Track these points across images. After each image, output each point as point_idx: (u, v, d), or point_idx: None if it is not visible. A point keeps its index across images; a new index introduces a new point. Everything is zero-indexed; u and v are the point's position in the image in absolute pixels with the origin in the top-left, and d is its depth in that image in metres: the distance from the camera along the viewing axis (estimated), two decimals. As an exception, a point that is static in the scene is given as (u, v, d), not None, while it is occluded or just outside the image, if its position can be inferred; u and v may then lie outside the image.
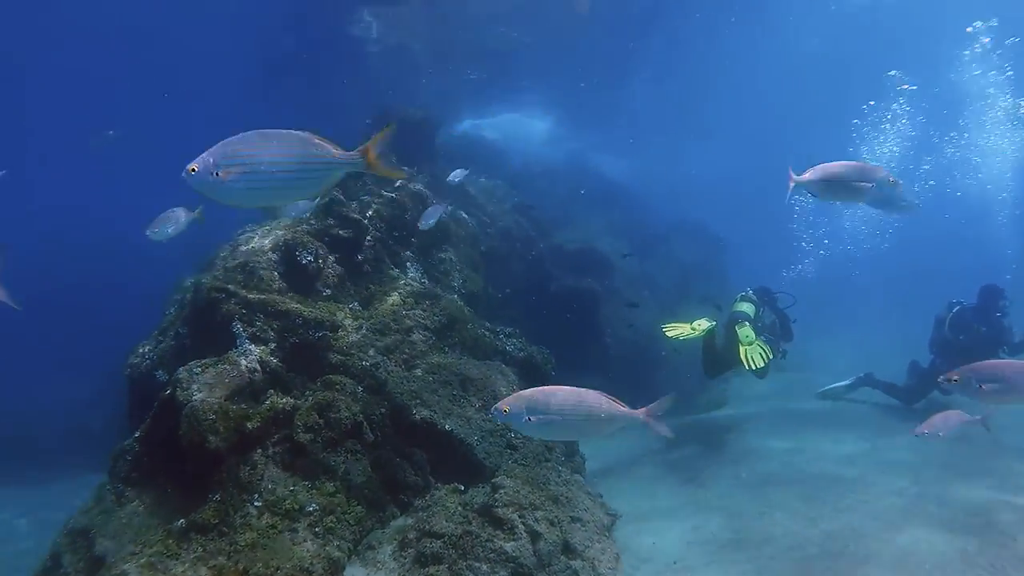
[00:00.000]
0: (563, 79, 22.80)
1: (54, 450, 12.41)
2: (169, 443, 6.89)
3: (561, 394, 4.69)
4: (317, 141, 3.21)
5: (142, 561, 5.96)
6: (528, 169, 19.79)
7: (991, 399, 5.26)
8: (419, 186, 11.32)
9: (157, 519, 6.63)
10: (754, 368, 9.32)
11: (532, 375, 10.05)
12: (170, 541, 6.14)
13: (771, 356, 9.52)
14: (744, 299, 10.37)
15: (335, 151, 3.29)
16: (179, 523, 6.28)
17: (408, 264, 10.43)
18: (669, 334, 10.22)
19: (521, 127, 26.28)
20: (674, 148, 31.88)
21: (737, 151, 35.18)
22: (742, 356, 9.29)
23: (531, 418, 4.27)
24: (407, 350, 8.46)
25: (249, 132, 3.08)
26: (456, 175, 9.84)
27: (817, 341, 16.27)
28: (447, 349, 8.97)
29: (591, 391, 4.65)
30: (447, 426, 7.68)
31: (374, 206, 10.31)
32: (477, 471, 7.45)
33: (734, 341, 9.57)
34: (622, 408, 4.72)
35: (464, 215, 12.69)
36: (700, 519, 7.04)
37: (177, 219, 7.40)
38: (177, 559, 5.97)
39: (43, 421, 15.15)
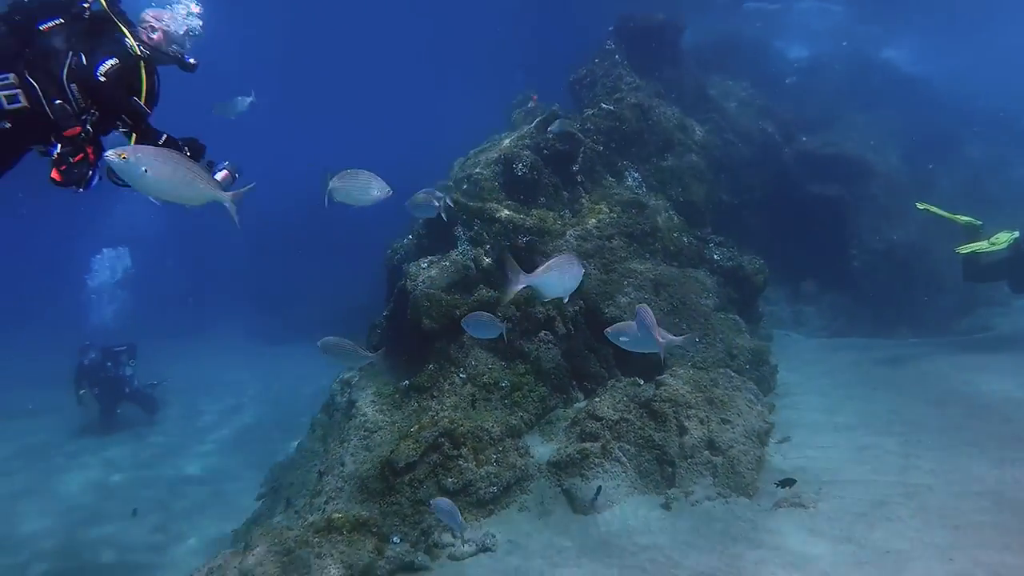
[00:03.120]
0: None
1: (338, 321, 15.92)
2: (404, 321, 8.62)
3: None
4: (203, 180, 4.24)
5: (377, 407, 7.82)
6: (793, 66, 18.46)
7: None
8: (639, 97, 11.57)
9: (392, 377, 8.44)
10: None
11: (740, 285, 10.22)
12: (396, 395, 7.93)
13: None
14: None
15: (213, 187, 4.34)
16: (404, 383, 8.03)
17: (626, 173, 10.95)
18: (964, 252, 9.64)
19: (803, 16, 24.03)
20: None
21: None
22: None
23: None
24: (607, 255, 9.19)
25: (173, 153, 4.20)
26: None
27: None
28: (647, 256, 9.51)
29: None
30: (634, 326, 8.38)
31: (593, 118, 10.89)
32: (658, 366, 8.09)
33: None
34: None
35: (694, 123, 12.67)
36: (873, 440, 6.98)
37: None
38: (399, 409, 7.73)
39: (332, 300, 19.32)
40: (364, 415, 7.70)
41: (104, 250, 20.23)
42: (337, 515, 5.80)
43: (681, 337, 5.72)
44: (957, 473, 6.05)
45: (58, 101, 4.14)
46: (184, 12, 4.86)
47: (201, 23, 4.93)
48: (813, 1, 24.14)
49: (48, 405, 13.75)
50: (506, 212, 9.13)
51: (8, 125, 4.06)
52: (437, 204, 7.72)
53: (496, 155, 9.94)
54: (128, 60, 4.43)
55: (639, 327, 5.28)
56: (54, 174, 4.15)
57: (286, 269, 24.48)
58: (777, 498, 5.99)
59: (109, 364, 12.99)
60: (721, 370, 8.00)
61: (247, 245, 25.56)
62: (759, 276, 10.35)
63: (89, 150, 4.30)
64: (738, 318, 9.21)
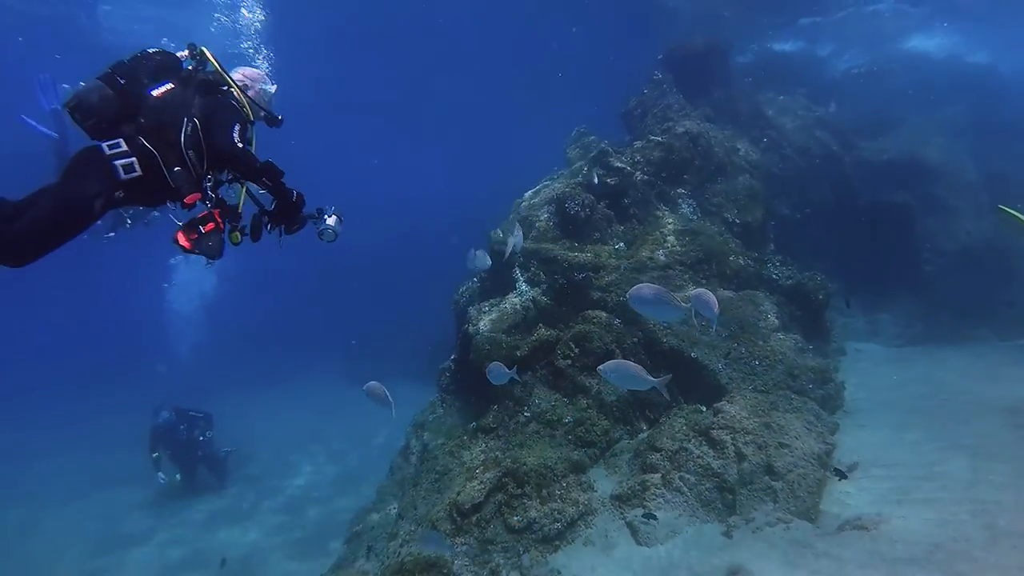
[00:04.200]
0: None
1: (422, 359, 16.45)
2: (469, 364, 9.02)
3: None
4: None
5: (447, 450, 8.21)
6: (847, 73, 18.15)
7: None
8: (688, 124, 11.72)
9: (461, 419, 8.85)
10: None
11: (802, 302, 10.16)
12: (464, 437, 8.30)
13: None
14: None
15: None
16: (471, 425, 8.41)
17: (680, 201, 11.11)
18: None
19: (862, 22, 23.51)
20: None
21: None
22: None
23: None
24: (662, 284, 9.35)
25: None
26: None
27: None
28: (703, 281, 9.62)
29: None
30: (692, 353, 8.52)
31: (642, 150, 11.13)
32: (720, 392, 8.19)
33: None
34: None
35: (746, 143, 12.72)
36: (941, 456, 6.85)
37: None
38: (468, 450, 8.09)
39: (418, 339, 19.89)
40: (435, 458, 8.11)
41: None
42: (409, 558, 6.18)
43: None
44: (1029, 488, 5.91)
45: (177, 168, 4.03)
46: (266, 70, 5.07)
47: (275, 86, 5.05)
48: (889, 4, 23.53)
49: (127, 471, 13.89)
50: (561, 251, 9.45)
51: (121, 195, 3.87)
52: (512, 241, 8.31)
53: (549, 195, 10.31)
54: (245, 122, 4.45)
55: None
56: (182, 240, 4.06)
57: (376, 309, 25.19)
58: (840, 522, 6.01)
59: (183, 427, 12.85)
60: (781, 392, 8.01)
61: (334, 284, 26.68)
62: (820, 292, 10.26)
63: (217, 215, 4.20)
64: (799, 337, 9.15)
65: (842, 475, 5.99)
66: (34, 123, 8.02)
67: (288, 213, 4.57)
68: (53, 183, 3.72)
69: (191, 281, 21.89)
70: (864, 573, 5.15)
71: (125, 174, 3.84)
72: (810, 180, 13.64)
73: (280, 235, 4.65)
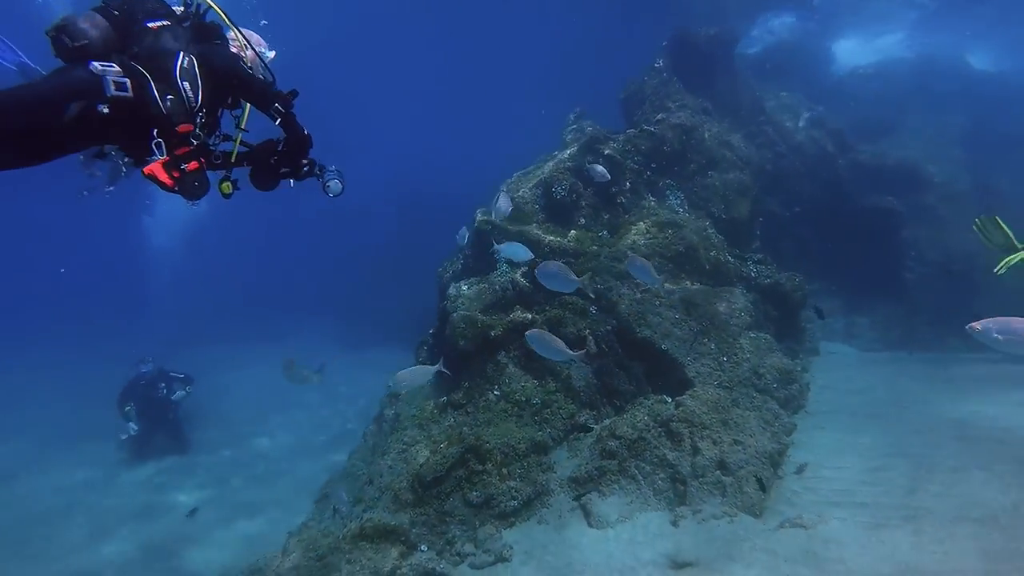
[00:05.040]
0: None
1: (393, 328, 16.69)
2: (445, 340, 9.23)
3: None
4: None
5: (416, 422, 8.46)
6: (856, 73, 18.13)
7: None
8: (682, 117, 11.79)
9: (434, 393, 9.07)
10: None
11: (778, 302, 10.34)
12: (435, 411, 8.54)
13: None
14: None
15: None
16: (442, 399, 8.64)
17: (668, 192, 11.24)
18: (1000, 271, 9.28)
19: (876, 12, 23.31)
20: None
21: None
22: None
23: None
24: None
25: None
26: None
27: None
28: (683, 275, 9.80)
29: None
30: (663, 346, 8.72)
31: (634, 139, 11.22)
32: (686, 385, 8.41)
33: None
34: None
35: (740, 138, 12.80)
36: (887, 462, 7.10)
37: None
38: (436, 424, 8.33)
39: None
40: (404, 429, 8.36)
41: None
42: (369, 524, 6.45)
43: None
44: (961, 498, 6.16)
45: (171, 96, 3.84)
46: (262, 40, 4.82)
47: (274, 52, 4.83)
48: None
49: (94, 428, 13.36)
50: (543, 235, 9.61)
51: (106, 111, 3.57)
52: (499, 205, 8.73)
53: (537, 179, 10.44)
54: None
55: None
56: (161, 175, 3.88)
57: (375, 273, 25.25)
58: (782, 519, 6.26)
59: (163, 385, 12.60)
60: (744, 390, 8.24)
61: (332, 250, 26.85)
62: (797, 293, 10.45)
63: (202, 160, 4.06)
64: (769, 337, 9.35)
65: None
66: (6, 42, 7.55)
67: (298, 149, 4.48)
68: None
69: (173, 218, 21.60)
70: (794, 569, 5.41)
71: (116, 91, 3.60)
72: (802, 179, 13.76)
73: (291, 183, 4.59)
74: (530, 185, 10.40)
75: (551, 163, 10.89)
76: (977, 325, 5.56)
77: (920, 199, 13.51)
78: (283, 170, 4.53)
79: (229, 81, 4.17)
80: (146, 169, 3.89)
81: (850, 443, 7.74)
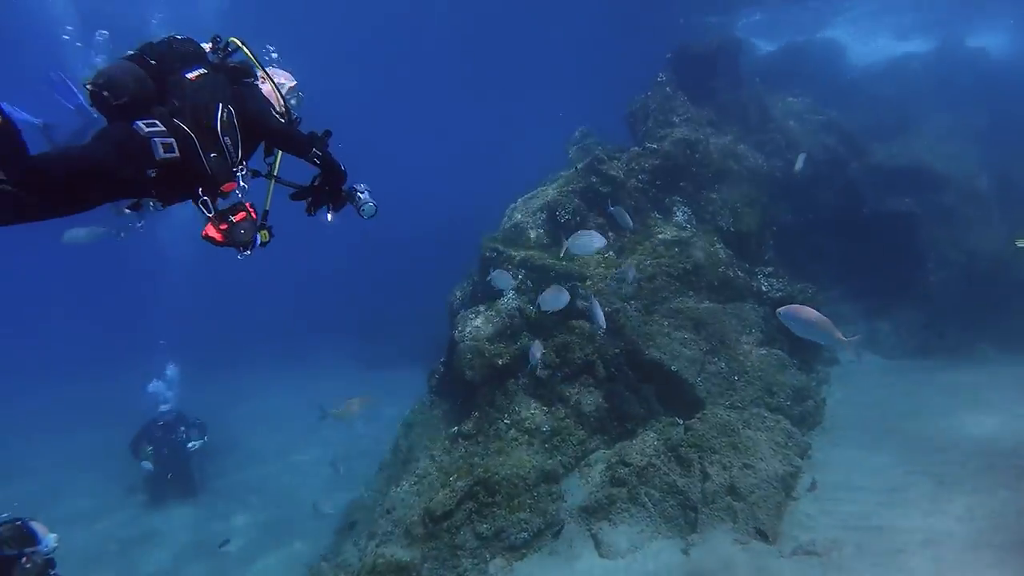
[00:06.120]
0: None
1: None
2: (454, 370, 9.25)
3: None
4: None
5: (428, 453, 8.49)
6: (868, 72, 17.89)
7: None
8: (686, 132, 11.71)
9: (445, 423, 9.10)
10: None
11: (791, 315, 10.18)
12: (447, 442, 8.56)
13: None
14: None
15: None
16: (453, 429, 8.66)
17: (675, 208, 11.16)
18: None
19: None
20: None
21: None
22: None
23: None
24: (648, 296, 9.48)
25: None
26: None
27: None
28: (691, 293, 9.72)
29: None
30: (673, 367, 8.65)
31: (638, 158, 11.17)
32: (697, 405, 8.32)
33: None
34: None
35: (747, 149, 12.68)
36: (907, 481, 6.94)
37: None
38: (448, 455, 8.35)
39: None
40: (416, 460, 8.40)
41: None
42: (381, 560, 6.48)
43: None
44: (985, 521, 6.00)
45: (214, 155, 3.81)
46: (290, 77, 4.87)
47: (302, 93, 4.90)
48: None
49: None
50: (549, 260, 9.60)
51: (153, 175, 3.57)
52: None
53: (541, 202, 10.45)
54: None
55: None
56: (213, 232, 3.90)
57: (392, 294, 25.40)
58: (796, 544, 6.16)
59: (183, 429, 12.56)
60: (755, 410, 8.13)
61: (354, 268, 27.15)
62: (810, 305, 10.26)
63: (249, 207, 4.04)
64: (782, 352, 9.23)
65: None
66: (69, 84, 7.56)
67: (339, 185, 4.54)
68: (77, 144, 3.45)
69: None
70: (805, 600, 5.32)
71: (165, 153, 3.54)
72: (814, 185, 13.55)
73: (329, 212, 4.62)
74: (535, 208, 10.41)
75: (554, 186, 10.90)
76: (781, 309, 6.61)
77: (938, 199, 13.22)
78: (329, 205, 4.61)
79: (264, 136, 4.25)
80: (202, 233, 3.93)
81: (867, 462, 7.59)
